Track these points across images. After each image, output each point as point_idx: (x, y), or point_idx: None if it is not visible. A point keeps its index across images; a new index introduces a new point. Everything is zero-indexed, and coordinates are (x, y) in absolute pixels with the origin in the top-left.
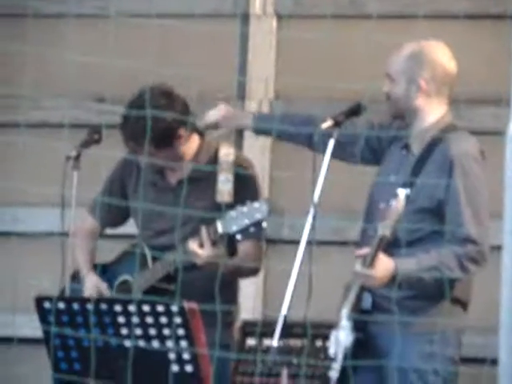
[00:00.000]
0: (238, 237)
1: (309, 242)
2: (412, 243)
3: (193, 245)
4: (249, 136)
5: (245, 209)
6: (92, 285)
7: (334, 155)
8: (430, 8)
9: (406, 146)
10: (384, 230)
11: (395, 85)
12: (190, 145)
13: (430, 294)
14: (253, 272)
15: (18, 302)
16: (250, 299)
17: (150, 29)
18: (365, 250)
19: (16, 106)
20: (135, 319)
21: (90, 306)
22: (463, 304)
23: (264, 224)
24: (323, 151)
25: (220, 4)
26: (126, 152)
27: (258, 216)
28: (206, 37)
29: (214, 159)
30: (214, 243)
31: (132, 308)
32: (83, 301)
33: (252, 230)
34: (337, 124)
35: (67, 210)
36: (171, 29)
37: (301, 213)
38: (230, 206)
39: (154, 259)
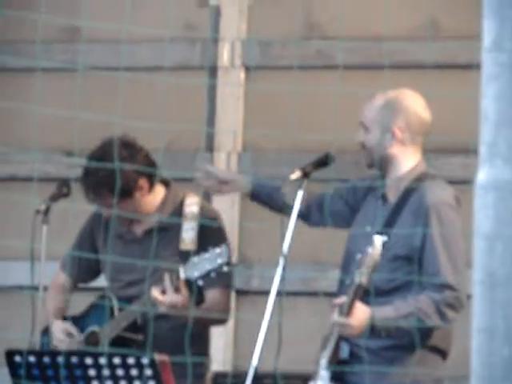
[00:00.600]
0: (200, 283)
1: (278, 293)
2: (389, 292)
3: (155, 292)
4: None
5: (207, 255)
6: (59, 329)
7: (315, 223)
8: (396, 58)
9: (382, 196)
10: (361, 277)
11: (369, 133)
12: (155, 196)
13: (408, 342)
14: (221, 320)
15: None
16: (220, 350)
17: (119, 81)
18: (342, 299)
19: None
20: (106, 372)
21: (60, 359)
22: (442, 353)
23: (225, 269)
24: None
25: (188, 56)
26: (94, 206)
27: (219, 261)
28: (175, 89)
29: (179, 209)
30: (176, 290)
31: (103, 361)
32: (54, 354)
33: (214, 276)
34: (305, 175)
35: (37, 263)
36: (139, 81)
37: (270, 264)
38: (195, 254)
39: (121, 310)
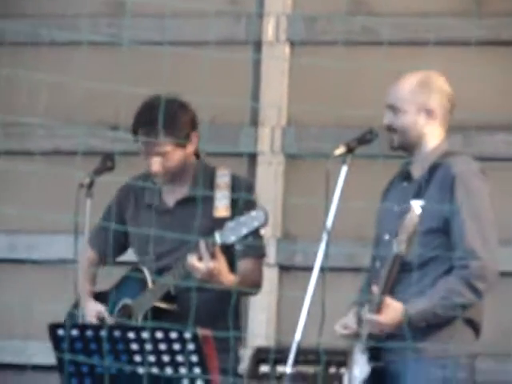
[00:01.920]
0: (238, 247)
1: (322, 269)
2: (422, 266)
3: (191, 259)
4: (262, 162)
5: (242, 218)
6: (91, 310)
7: None
8: (441, 35)
9: (407, 175)
10: (400, 246)
11: (402, 114)
12: (191, 165)
13: (445, 320)
14: (254, 289)
15: (31, 329)
16: (262, 325)
17: (163, 56)
18: (375, 289)
19: (29, 134)
20: (148, 346)
21: (103, 333)
22: (476, 328)
23: (262, 232)
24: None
25: (233, 31)
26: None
27: (256, 224)
28: (219, 64)
29: (212, 180)
30: (213, 256)
31: (145, 335)
32: (97, 328)
33: (245, 246)
34: (349, 150)
35: (80, 237)
36: (184, 56)
37: (314, 239)
38: (230, 219)
39: (154, 281)
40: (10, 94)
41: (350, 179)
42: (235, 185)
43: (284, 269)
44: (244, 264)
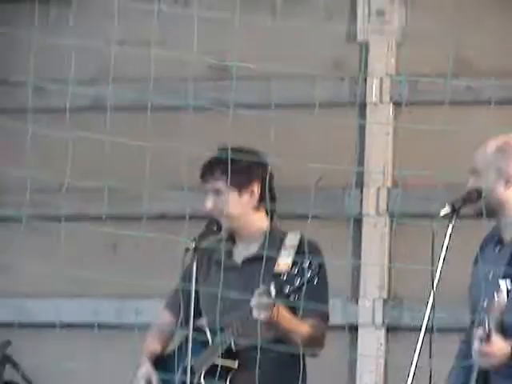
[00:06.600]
0: (292, 298)
1: (429, 330)
2: None
3: (254, 299)
4: (367, 224)
5: (295, 269)
6: (142, 373)
7: None
8: None
9: (499, 242)
10: (491, 323)
11: (483, 179)
12: (259, 223)
13: None
14: (318, 348)
15: None
16: None
17: (267, 119)
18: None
19: (136, 199)
20: None
21: None
22: None
23: (315, 281)
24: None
25: (336, 93)
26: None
27: (308, 274)
28: (323, 126)
29: (281, 241)
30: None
31: None
32: None
33: (312, 305)
34: (455, 210)
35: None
36: (288, 118)
37: (420, 300)
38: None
39: (214, 340)
40: (116, 159)
41: (456, 239)
42: (302, 245)
43: (391, 330)
44: (308, 321)
